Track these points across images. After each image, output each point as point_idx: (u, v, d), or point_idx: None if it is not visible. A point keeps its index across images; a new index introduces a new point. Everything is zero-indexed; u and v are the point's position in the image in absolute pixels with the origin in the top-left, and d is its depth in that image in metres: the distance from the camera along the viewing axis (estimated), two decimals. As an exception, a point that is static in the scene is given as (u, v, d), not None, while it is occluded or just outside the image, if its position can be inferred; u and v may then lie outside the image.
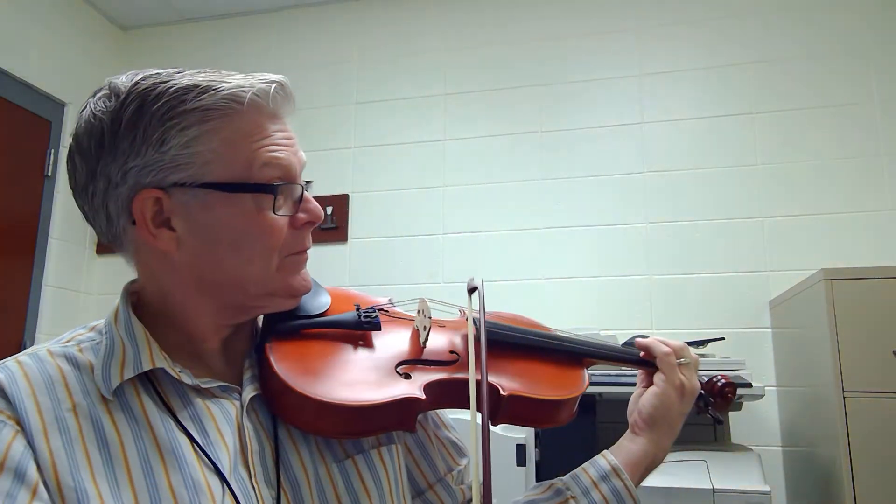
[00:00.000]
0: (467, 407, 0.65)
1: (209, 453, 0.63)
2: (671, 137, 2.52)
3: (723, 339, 2.13)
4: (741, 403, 1.96)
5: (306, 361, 0.69)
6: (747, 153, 2.44)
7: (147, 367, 0.64)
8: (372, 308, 0.77)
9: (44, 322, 2.65)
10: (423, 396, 0.69)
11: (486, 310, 0.73)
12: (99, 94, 0.67)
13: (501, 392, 0.73)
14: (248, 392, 0.68)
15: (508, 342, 0.82)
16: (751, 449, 1.88)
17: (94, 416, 0.61)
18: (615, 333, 2.02)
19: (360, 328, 0.74)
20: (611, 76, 2.62)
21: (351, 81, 2.87)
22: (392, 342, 0.76)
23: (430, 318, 0.77)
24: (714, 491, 1.65)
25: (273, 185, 0.65)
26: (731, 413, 1.99)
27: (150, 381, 0.65)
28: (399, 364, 0.72)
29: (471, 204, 2.63)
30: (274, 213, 0.66)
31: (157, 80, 0.66)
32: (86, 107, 0.67)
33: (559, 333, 0.88)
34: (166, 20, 3.11)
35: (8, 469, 0.56)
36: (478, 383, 0.64)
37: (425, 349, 0.76)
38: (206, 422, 0.65)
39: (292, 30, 2.99)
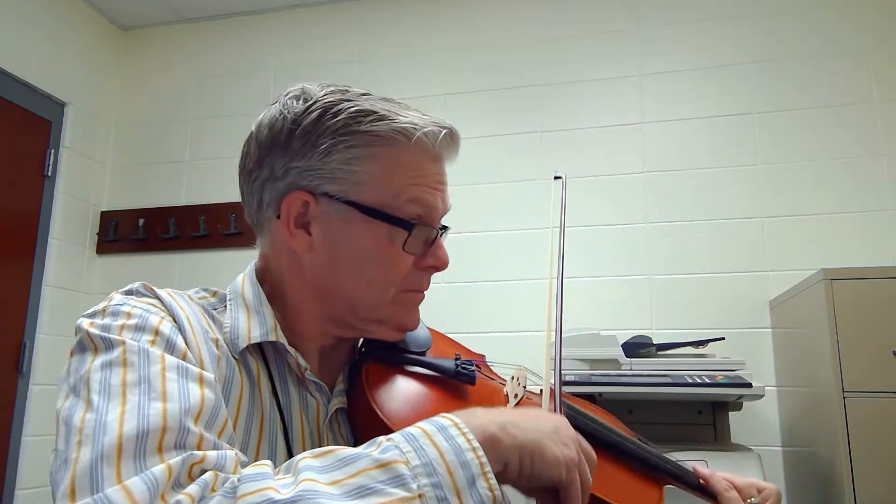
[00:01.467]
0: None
1: (290, 445, 0.66)
2: (671, 137, 2.52)
3: (723, 339, 2.13)
4: (741, 403, 1.96)
5: (398, 393, 0.70)
6: (747, 153, 2.44)
7: (272, 337, 0.68)
8: (470, 361, 0.77)
9: (44, 322, 2.65)
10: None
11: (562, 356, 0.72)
12: (291, 94, 0.72)
13: None
14: (335, 403, 0.71)
15: (591, 433, 0.77)
16: (751, 449, 1.88)
17: (228, 355, 0.66)
18: (615, 333, 2.02)
19: (455, 378, 0.74)
20: (611, 76, 2.62)
21: (351, 81, 2.85)
22: (482, 398, 0.75)
23: (524, 387, 0.76)
24: (714, 491, 1.65)
25: (410, 222, 0.69)
26: (730, 413, 1.99)
27: (263, 356, 0.69)
28: None
29: (471, 204, 2.63)
30: (403, 249, 0.69)
31: (343, 98, 0.70)
32: (276, 101, 0.73)
33: (640, 443, 0.84)
34: (166, 20, 3.11)
35: (161, 338, 0.59)
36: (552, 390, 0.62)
37: None
38: (294, 413, 0.69)
39: (292, 30, 2.99)
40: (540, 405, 0.79)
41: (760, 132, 2.44)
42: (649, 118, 2.55)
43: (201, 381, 0.57)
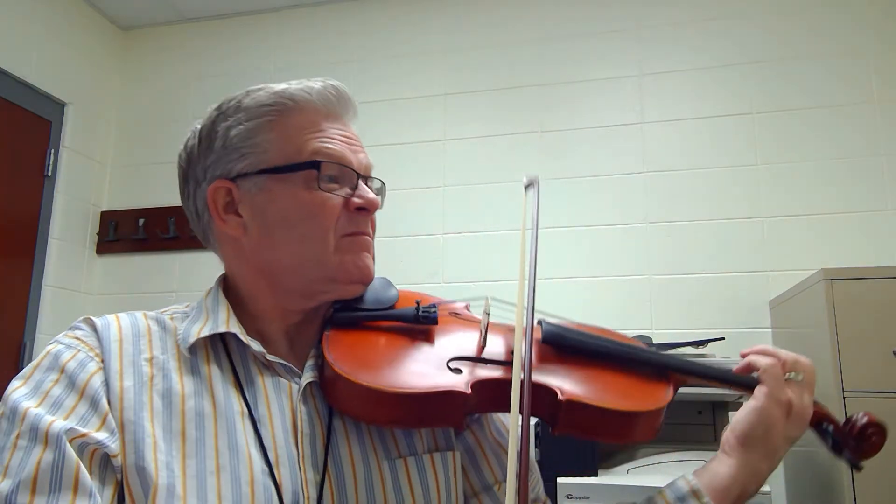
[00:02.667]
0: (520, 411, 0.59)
1: (257, 427, 0.67)
2: (671, 137, 2.52)
3: (723, 339, 2.13)
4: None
5: (358, 350, 0.70)
6: (747, 153, 2.44)
7: (222, 329, 0.71)
8: (432, 305, 0.76)
9: (44, 322, 2.65)
10: (469, 392, 0.66)
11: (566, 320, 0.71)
12: (188, 134, 0.80)
13: (559, 396, 0.67)
14: (307, 377, 0.71)
15: (580, 347, 0.75)
16: (751, 449, 1.88)
17: (166, 368, 0.68)
18: (615, 333, 2.02)
19: (416, 322, 0.74)
20: (611, 76, 2.62)
21: (351, 81, 2.86)
22: (451, 340, 0.75)
23: (488, 314, 0.75)
24: (714, 491, 1.64)
25: (315, 161, 0.72)
26: (730, 413, 1.99)
27: (225, 349, 0.72)
28: (452, 360, 0.71)
29: (471, 204, 2.63)
30: (319, 188, 0.72)
31: (233, 97, 0.77)
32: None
33: (647, 348, 0.79)
34: (166, 20, 3.11)
35: (87, 396, 0.64)
36: (522, 384, 0.58)
37: (485, 349, 0.73)
38: (260, 396, 0.70)
39: (292, 30, 2.99)
40: (510, 327, 0.77)
41: (761, 132, 2.44)
42: (649, 118, 2.55)
43: (46, 441, 0.59)
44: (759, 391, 0.72)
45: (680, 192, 2.46)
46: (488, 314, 0.75)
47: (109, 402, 0.64)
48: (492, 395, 0.69)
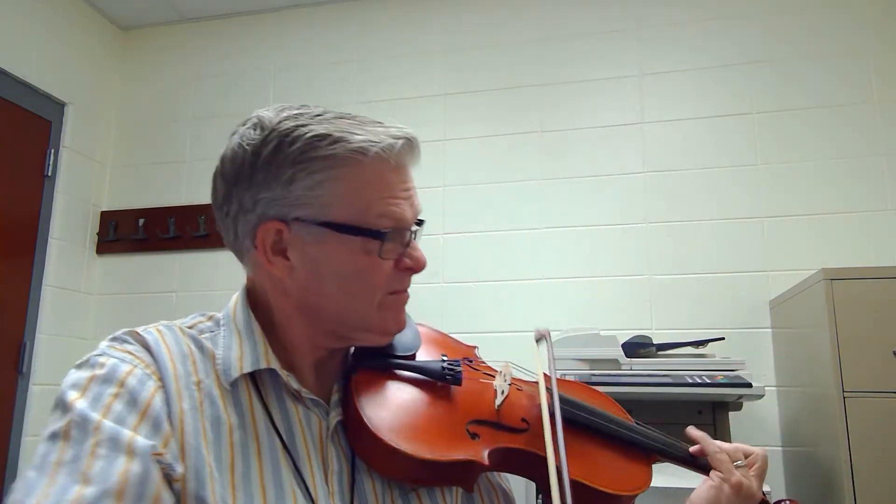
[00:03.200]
0: (526, 476, 0.71)
1: (296, 462, 0.68)
2: (671, 137, 2.52)
3: (723, 339, 2.13)
4: (741, 403, 1.96)
5: (383, 400, 0.73)
6: (747, 153, 2.44)
7: (263, 365, 0.70)
8: (457, 362, 0.79)
9: (44, 322, 2.65)
10: (487, 463, 0.70)
11: (556, 371, 0.75)
12: (248, 124, 0.73)
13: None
14: (334, 416, 0.73)
15: (578, 421, 0.82)
16: (751, 449, 1.88)
17: (212, 395, 0.67)
18: (615, 333, 2.02)
19: (441, 380, 0.77)
20: (611, 76, 2.62)
21: (351, 81, 2.87)
22: (469, 397, 0.78)
23: (509, 384, 0.80)
24: (714, 491, 1.65)
25: (382, 231, 0.71)
26: (730, 413, 1.99)
27: (255, 380, 0.71)
28: (470, 422, 0.75)
29: (471, 204, 2.63)
30: (379, 256, 0.71)
31: (297, 124, 0.71)
32: (235, 132, 0.74)
33: (630, 422, 0.87)
34: (166, 20, 3.11)
35: (149, 417, 0.62)
36: (558, 470, 0.65)
37: (499, 412, 0.78)
38: (296, 430, 0.71)
39: (292, 30, 2.99)
40: (528, 395, 0.83)
41: (761, 132, 2.44)
42: (649, 118, 2.55)
43: (131, 453, 0.59)
44: (714, 474, 0.83)
45: (680, 192, 2.46)
46: (509, 383, 0.80)
47: (171, 425, 0.63)
48: (505, 460, 0.74)
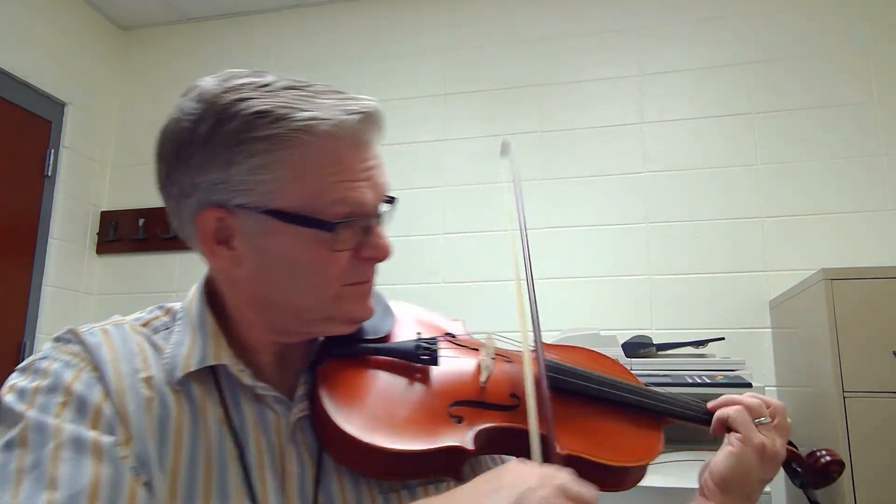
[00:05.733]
0: (518, 455, 0.61)
1: (248, 472, 0.63)
2: (671, 137, 2.52)
3: (723, 339, 2.13)
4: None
5: (354, 392, 0.66)
6: (747, 153, 2.44)
7: (212, 361, 0.65)
8: (433, 339, 0.72)
9: (44, 322, 2.65)
10: (472, 447, 0.64)
11: (539, 317, 0.68)
12: (189, 95, 0.65)
13: (557, 450, 0.65)
14: (297, 412, 0.67)
15: (575, 391, 0.74)
16: (751, 449, 1.88)
17: (163, 392, 0.63)
18: (615, 333, 2.02)
19: (416, 361, 0.70)
20: (611, 76, 2.62)
21: (351, 82, 2.87)
22: (451, 376, 0.71)
23: (493, 358, 0.72)
24: (714, 491, 1.64)
25: (331, 222, 0.62)
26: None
27: (214, 376, 0.66)
28: (453, 404, 0.68)
29: (471, 204, 2.63)
30: (331, 250, 0.63)
31: (237, 98, 0.62)
32: (177, 106, 0.66)
33: (636, 384, 0.79)
34: (166, 20, 3.11)
35: (102, 422, 0.59)
36: (544, 437, 0.60)
37: (485, 389, 0.71)
38: (250, 436, 0.65)
39: (292, 30, 2.99)
40: (516, 367, 0.75)
41: (761, 132, 2.44)
42: (649, 118, 2.55)
43: (98, 454, 0.56)
44: (734, 437, 0.74)
45: (680, 192, 2.46)
46: (492, 358, 0.73)
47: (125, 430, 0.60)
48: (494, 440, 0.68)
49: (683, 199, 2.45)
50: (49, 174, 2.74)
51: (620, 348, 1.97)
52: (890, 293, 1.75)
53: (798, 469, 0.77)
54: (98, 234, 2.95)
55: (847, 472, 1.67)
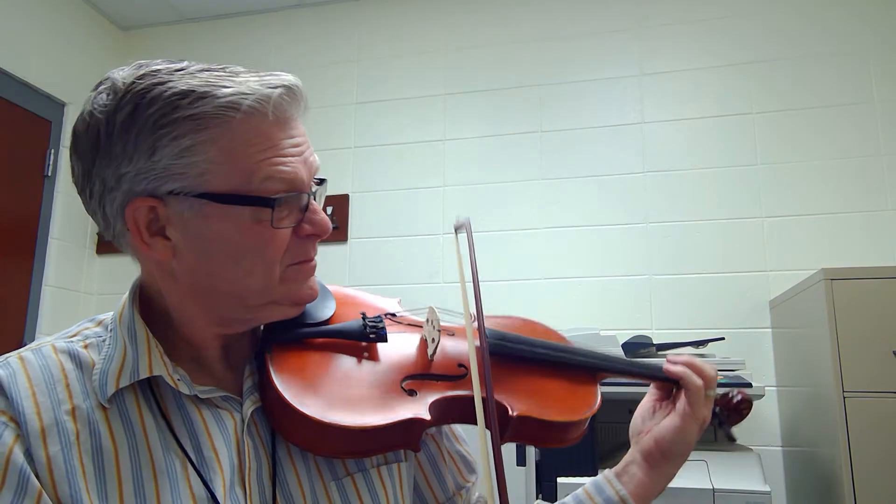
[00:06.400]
0: (475, 423, 0.62)
1: (202, 474, 0.61)
2: (671, 137, 2.52)
3: (723, 339, 2.13)
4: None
5: (307, 375, 0.66)
6: (747, 153, 2.44)
7: (144, 374, 0.62)
8: (378, 317, 0.74)
9: (44, 322, 2.65)
10: (429, 417, 0.66)
11: (485, 312, 0.69)
12: (100, 88, 0.63)
13: (510, 413, 0.70)
14: (249, 405, 0.66)
15: (519, 356, 0.77)
16: (751, 449, 1.88)
17: (91, 421, 0.59)
18: (615, 333, 2.02)
19: (364, 339, 0.71)
20: (611, 76, 2.62)
21: (351, 81, 2.87)
22: (398, 353, 0.72)
23: (438, 330, 0.73)
24: (714, 491, 1.65)
25: (271, 198, 0.61)
26: (731, 413, 1.99)
27: (150, 386, 0.63)
28: (405, 378, 0.69)
29: (471, 204, 2.63)
30: (272, 226, 0.62)
31: (154, 82, 0.60)
32: (88, 100, 0.63)
33: (571, 345, 0.83)
34: (166, 20, 3.11)
35: (11, 476, 0.54)
36: (485, 400, 0.61)
37: (433, 362, 0.73)
38: (202, 437, 0.63)
39: (292, 30, 2.99)
40: (457, 335, 0.78)
41: (761, 132, 2.44)
42: (649, 118, 2.55)
43: None
44: (685, 411, 0.76)
45: (680, 192, 2.46)
46: (438, 329, 0.73)
47: (39, 479, 0.55)
48: (448, 410, 0.70)
49: (683, 200, 2.45)
50: (49, 174, 2.74)
51: (620, 348, 1.97)
52: (890, 293, 1.75)
53: (715, 410, 0.83)
54: (98, 234, 2.95)
55: (847, 471, 1.67)
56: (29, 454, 0.55)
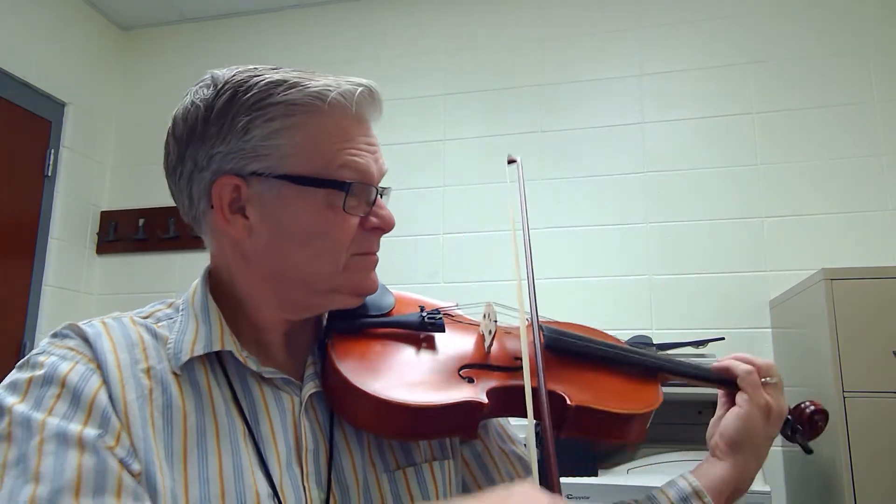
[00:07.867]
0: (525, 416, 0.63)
1: (259, 447, 0.65)
2: (671, 137, 2.52)
3: (723, 339, 2.13)
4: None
5: (368, 360, 0.69)
6: (747, 153, 2.44)
7: (217, 347, 0.66)
8: (436, 310, 0.76)
9: (44, 322, 2.65)
10: (487, 401, 0.67)
11: (538, 309, 0.71)
12: (200, 84, 0.70)
13: (568, 402, 0.70)
14: (309, 388, 0.70)
15: (577, 351, 0.78)
16: (751, 449, 1.88)
17: (164, 381, 0.64)
18: (615, 333, 2.02)
19: (423, 329, 0.73)
20: (611, 76, 2.62)
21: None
22: (456, 345, 0.74)
23: (495, 321, 0.76)
24: (714, 491, 1.64)
25: (345, 182, 0.66)
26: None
27: (220, 362, 0.68)
28: (463, 367, 0.71)
29: (471, 204, 2.63)
30: (344, 210, 0.67)
31: (252, 74, 0.69)
32: (188, 94, 0.70)
33: (631, 348, 0.84)
34: (166, 20, 3.11)
35: (95, 414, 0.58)
36: (535, 390, 0.62)
37: (490, 354, 0.74)
38: (261, 414, 0.67)
39: (293, 30, 2.99)
40: (513, 334, 0.80)
41: (760, 132, 2.44)
42: (649, 118, 2.55)
43: (82, 447, 0.56)
44: (741, 398, 0.78)
45: (680, 192, 2.46)
46: (495, 321, 0.75)
47: (120, 419, 0.59)
48: (504, 401, 0.70)
49: (683, 199, 2.45)
50: (49, 174, 2.74)
51: (620, 348, 1.97)
52: (890, 293, 1.75)
53: (788, 418, 0.82)
54: (98, 234, 2.95)
55: (847, 471, 1.67)
56: (111, 397, 0.60)
